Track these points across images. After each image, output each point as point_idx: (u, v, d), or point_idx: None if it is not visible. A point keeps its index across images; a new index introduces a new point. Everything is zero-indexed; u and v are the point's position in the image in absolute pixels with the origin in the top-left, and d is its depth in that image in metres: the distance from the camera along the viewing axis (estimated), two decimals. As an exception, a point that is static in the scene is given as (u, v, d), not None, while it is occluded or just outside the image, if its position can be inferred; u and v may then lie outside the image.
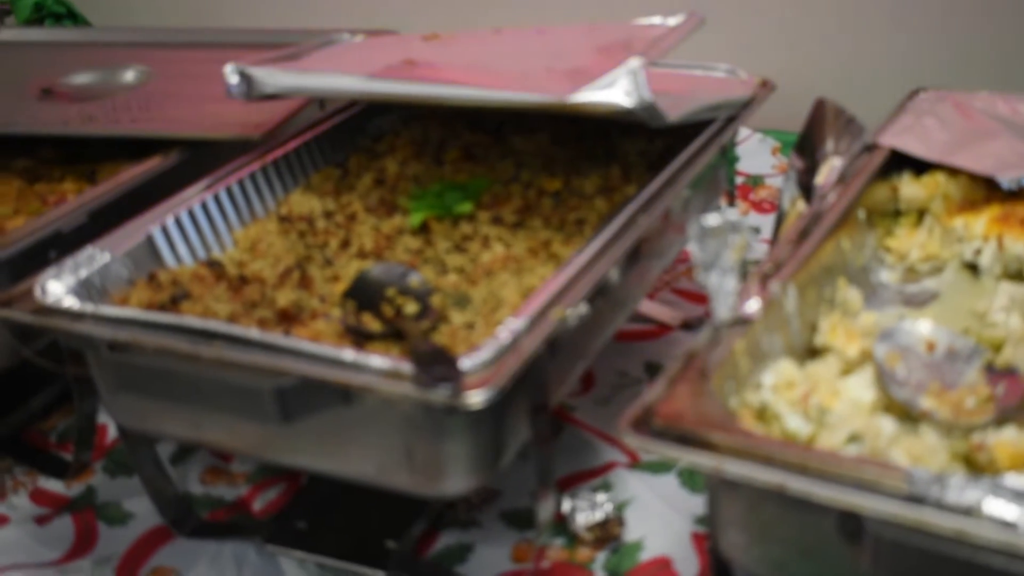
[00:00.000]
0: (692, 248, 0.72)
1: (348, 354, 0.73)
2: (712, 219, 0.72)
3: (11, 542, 0.97)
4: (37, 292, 0.84)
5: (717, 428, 0.64)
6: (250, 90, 1.02)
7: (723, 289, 0.73)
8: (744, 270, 0.74)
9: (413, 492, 0.79)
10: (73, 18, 1.72)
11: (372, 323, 0.85)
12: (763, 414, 0.71)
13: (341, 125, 1.14)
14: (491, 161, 1.09)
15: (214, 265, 0.95)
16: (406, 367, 0.71)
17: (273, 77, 1.02)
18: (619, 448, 1.01)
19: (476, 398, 0.69)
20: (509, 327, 0.75)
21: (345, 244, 0.99)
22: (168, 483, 0.97)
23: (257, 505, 0.99)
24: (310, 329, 0.85)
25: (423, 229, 1.00)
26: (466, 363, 0.71)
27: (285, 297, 0.90)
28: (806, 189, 0.96)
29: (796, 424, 0.70)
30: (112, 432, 1.09)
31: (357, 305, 0.87)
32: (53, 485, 1.04)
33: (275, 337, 0.75)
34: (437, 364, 0.71)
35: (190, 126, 1.11)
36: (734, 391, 0.71)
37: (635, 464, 1.00)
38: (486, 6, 1.66)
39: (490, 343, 0.73)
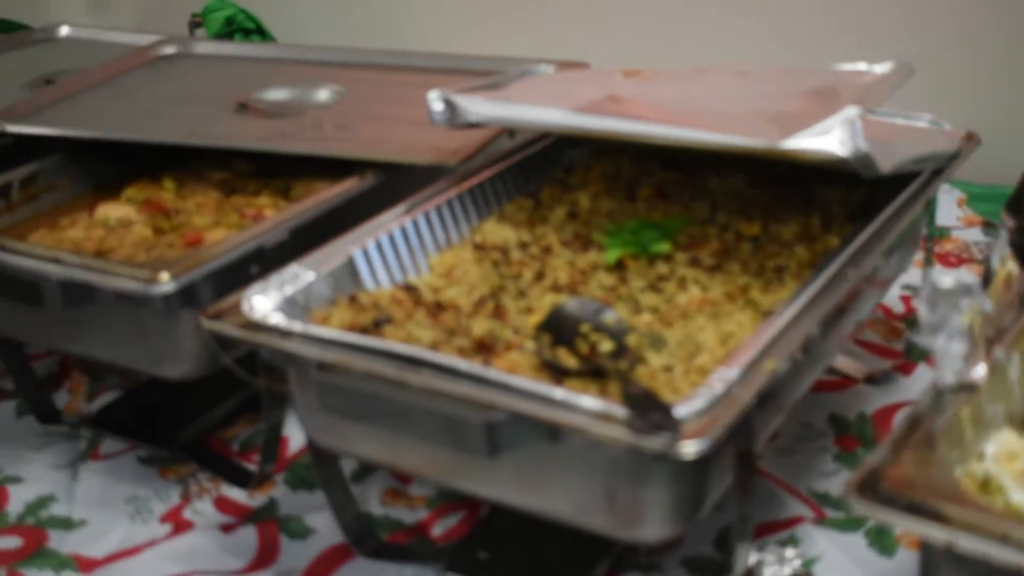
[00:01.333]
0: (920, 308, 0.70)
1: (559, 393, 0.73)
2: (946, 281, 0.70)
3: (197, 548, 0.99)
4: (245, 307, 0.86)
5: (949, 499, 0.62)
6: (454, 117, 1.03)
7: (950, 353, 0.71)
8: (972, 334, 0.71)
9: (609, 535, 0.79)
10: (261, 34, 1.76)
11: (568, 359, 0.84)
12: (987, 485, 0.69)
13: (534, 156, 1.15)
14: (685, 201, 1.08)
15: (411, 290, 0.96)
16: (618, 410, 0.71)
17: (477, 106, 1.02)
18: (804, 502, 0.99)
19: (691, 448, 0.68)
20: (723, 377, 0.73)
21: (539, 276, 0.99)
22: (351, 502, 0.98)
23: (436, 531, 1.00)
24: (506, 360, 0.85)
25: (617, 266, 0.99)
26: (681, 411, 0.70)
27: (480, 326, 0.90)
28: (1019, 249, 0.93)
29: (1020, 498, 0.68)
30: (293, 445, 1.10)
31: (552, 339, 0.87)
32: (235, 494, 1.06)
33: (484, 370, 0.75)
34: (652, 410, 0.70)
35: (387, 149, 1.13)
36: (959, 460, 0.68)
37: (822, 520, 0.97)
38: (655, 39, 1.65)
39: (703, 392, 0.72)
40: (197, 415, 1.15)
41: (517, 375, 0.77)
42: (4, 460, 1.13)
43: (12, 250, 1.00)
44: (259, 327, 0.84)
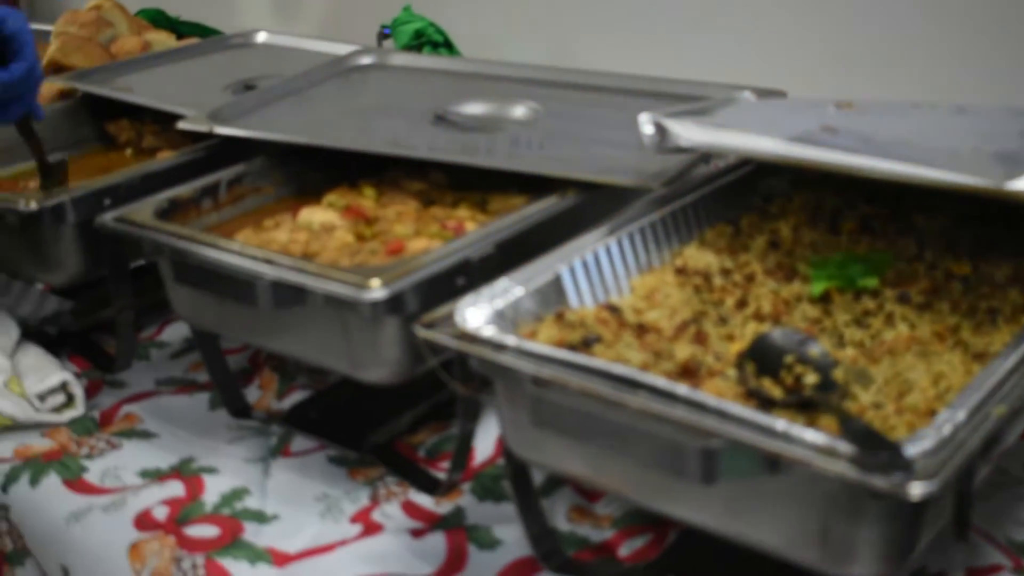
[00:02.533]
0: None
1: (780, 423, 0.72)
2: None
3: (388, 551, 1.01)
4: (458, 318, 0.88)
5: None
6: (663, 141, 1.04)
7: None
8: None
9: (818, 570, 0.78)
10: (448, 47, 1.79)
11: (773, 389, 0.84)
12: None
13: (733, 183, 1.14)
14: (890, 236, 1.07)
15: (614, 310, 0.96)
16: (843, 446, 0.70)
17: (689, 131, 1.02)
18: (1003, 551, 0.97)
19: (921, 489, 0.67)
20: (949, 419, 0.72)
21: (741, 304, 0.98)
22: (541, 516, 0.98)
23: (623, 551, 1.00)
24: (711, 387, 0.85)
25: (822, 299, 0.98)
26: (910, 450, 0.69)
27: (684, 351, 0.90)
28: None
29: None
30: (480, 455, 1.12)
31: (756, 368, 0.87)
32: (423, 500, 1.07)
33: (703, 396, 0.75)
34: (879, 448, 0.69)
35: (588, 168, 1.13)
36: None
37: (1020, 571, 0.95)
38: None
39: (930, 433, 0.71)
40: (385, 420, 1.17)
41: (744, 407, 0.76)
42: (200, 451, 1.17)
43: (227, 249, 1.04)
44: (473, 339, 0.85)
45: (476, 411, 1.01)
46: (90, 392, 1.28)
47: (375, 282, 0.95)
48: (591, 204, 1.13)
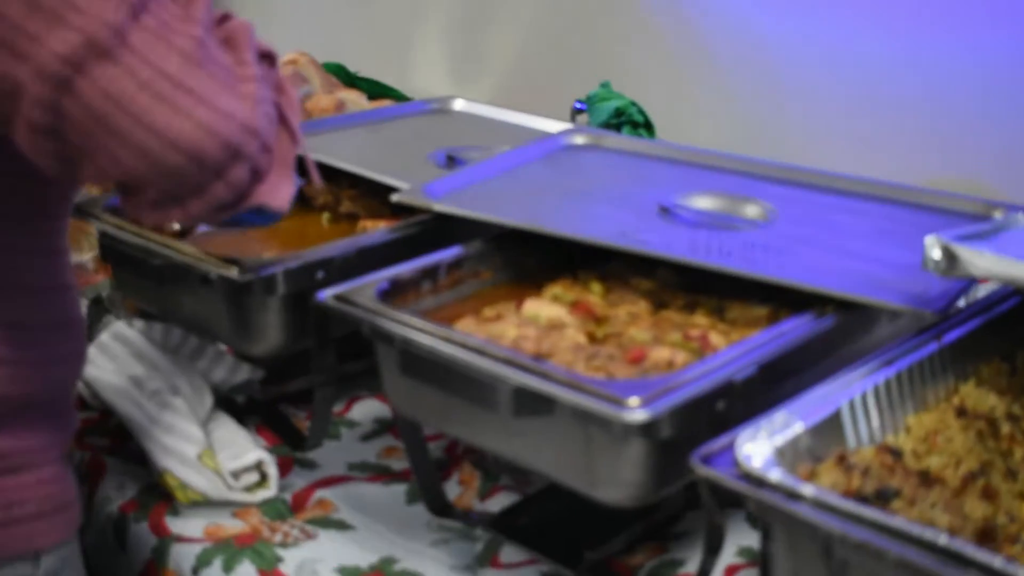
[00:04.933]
0: None
1: None
2: None
3: None
4: (739, 455, 0.79)
5: None
6: (951, 268, 0.94)
7: None
8: None
9: None
10: (648, 128, 1.72)
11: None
12: None
13: (1006, 314, 1.05)
14: None
15: (896, 455, 0.87)
16: None
17: (984, 260, 0.93)
18: None
19: None
20: None
21: (1034, 457, 0.89)
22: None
23: None
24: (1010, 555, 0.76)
25: None
26: None
27: (976, 509, 0.81)
28: None
29: None
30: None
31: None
32: (648, 634, 0.99)
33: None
34: None
35: (845, 283, 1.04)
36: None
37: None
38: None
39: None
40: (601, 535, 1.09)
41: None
42: (401, 551, 1.10)
43: (466, 346, 0.97)
44: (761, 482, 0.77)
45: (720, 543, 0.92)
46: (281, 471, 1.22)
47: (634, 401, 0.87)
48: (847, 325, 1.04)
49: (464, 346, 0.97)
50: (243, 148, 0.81)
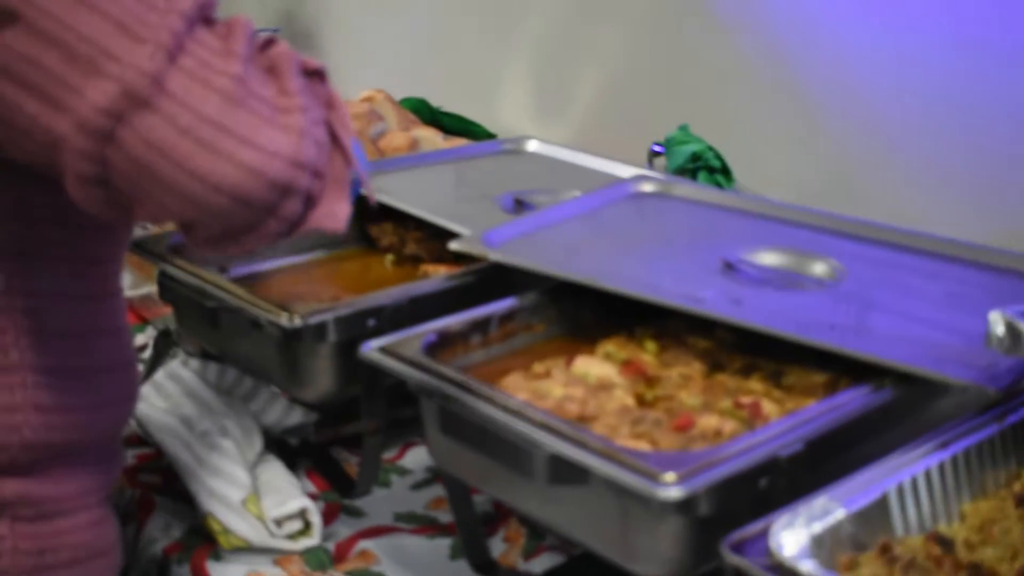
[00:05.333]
0: None
1: None
2: None
3: None
4: (772, 544, 0.75)
5: None
6: (1016, 347, 0.90)
7: None
8: None
9: None
10: (725, 174, 1.68)
11: None
12: None
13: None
14: None
15: (946, 545, 0.82)
16: None
17: (1050, 341, 0.88)
18: None
19: None
20: None
21: (1098, 555, 0.83)
22: None
23: None
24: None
25: None
26: None
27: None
28: None
29: None
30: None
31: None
32: None
33: None
34: None
35: (911, 354, 0.99)
36: None
37: None
38: None
39: None
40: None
41: None
42: (444, 612, 1.07)
43: (504, 407, 0.95)
44: (791, 574, 0.73)
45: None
46: (327, 518, 1.21)
47: (669, 476, 0.84)
48: (905, 399, 0.99)
49: (503, 407, 0.95)
50: (293, 184, 0.79)
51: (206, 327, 1.24)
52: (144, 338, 1.56)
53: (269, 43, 0.85)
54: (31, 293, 0.90)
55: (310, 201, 0.81)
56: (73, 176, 0.78)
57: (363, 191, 0.92)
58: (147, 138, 0.75)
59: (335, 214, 0.83)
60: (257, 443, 1.24)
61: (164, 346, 1.49)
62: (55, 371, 0.93)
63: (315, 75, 0.85)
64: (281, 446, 1.30)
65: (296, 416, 1.30)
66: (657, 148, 1.78)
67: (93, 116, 0.75)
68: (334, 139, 0.83)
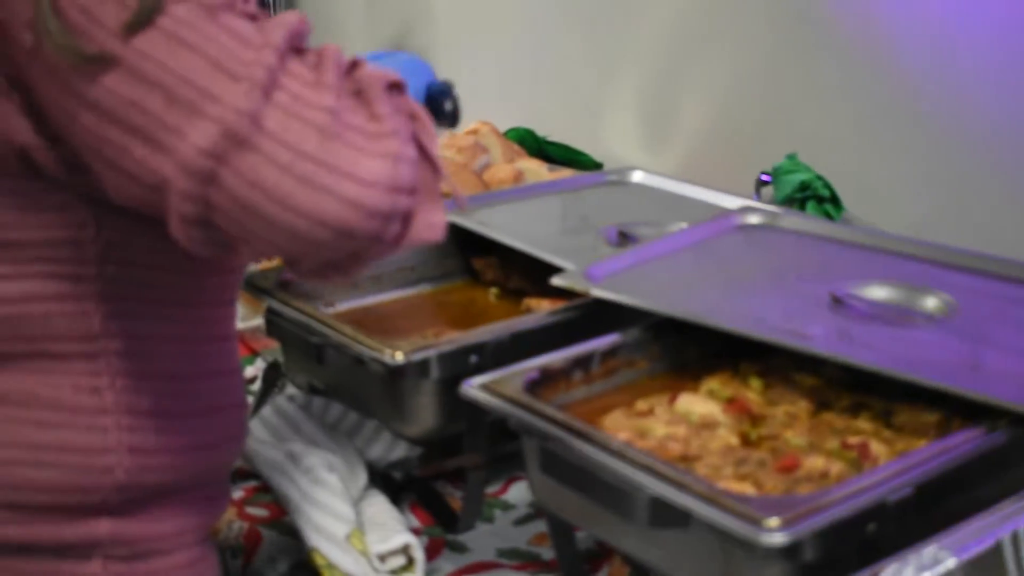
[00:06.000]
0: None
1: None
2: None
3: None
4: (883, 595, 0.73)
5: None
6: None
7: None
8: None
9: None
10: (835, 203, 1.65)
11: None
12: None
13: None
14: None
15: (1065, 596, 0.79)
16: None
17: None
18: None
19: None
20: None
21: None
22: None
23: None
24: None
25: None
26: None
27: None
28: None
29: None
30: None
31: None
32: None
33: None
34: None
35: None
36: None
37: None
38: None
39: None
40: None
41: None
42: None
43: (605, 447, 0.94)
44: (901, 627, 0.71)
45: None
46: (430, 553, 1.21)
47: (773, 522, 0.82)
48: (1020, 441, 0.96)
49: (604, 448, 0.94)
50: (393, 209, 0.78)
51: (312, 363, 1.26)
52: (253, 370, 1.58)
53: (355, 65, 0.84)
54: (130, 336, 0.90)
55: (408, 218, 0.80)
56: (176, 217, 0.79)
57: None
58: (248, 178, 0.76)
59: (432, 224, 0.82)
60: (362, 478, 1.25)
61: (272, 379, 1.51)
62: (153, 414, 0.93)
63: (395, 88, 0.85)
64: (385, 480, 1.31)
65: (400, 450, 1.31)
66: (765, 177, 1.76)
67: (195, 158, 0.76)
68: (421, 150, 0.82)
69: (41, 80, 0.80)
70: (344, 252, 0.80)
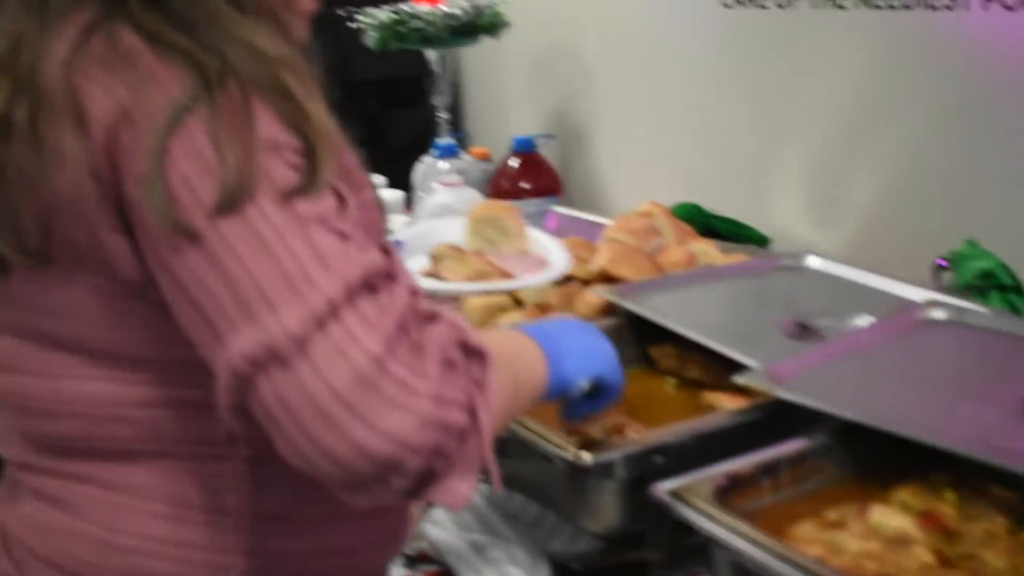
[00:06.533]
0: None
1: None
2: None
3: None
4: None
5: None
6: None
7: None
8: None
9: None
10: (1019, 292, 1.61)
11: None
12: None
13: None
14: None
15: None
16: None
17: None
18: None
19: None
20: None
21: None
22: None
23: None
24: None
25: None
26: None
27: None
28: None
29: None
30: None
31: None
32: None
33: None
34: None
35: None
36: None
37: None
38: None
39: None
40: None
41: None
42: None
43: (800, 566, 0.93)
44: None
45: None
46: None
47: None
48: None
49: (800, 567, 0.94)
50: (400, 465, 0.78)
51: (496, 454, 1.28)
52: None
53: (433, 316, 0.85)
54: (256, 443, 0.87)
55: (429, 477, 0.80)
56: (221, 401, 0.81)
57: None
58: (277, 393, 0.78)
59: (454, 493, 0.82)
60: (543, 572, 1.26)
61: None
62: (279, 518, 0.95)
63: (475, 355, 0.85)
64: (564, 571, 1.32)
65: (581, 544, 1.32)
66: (942, 262, 1.72)
67: (239, 359, 0.78)
68: (474, 421, 0.82)
69: (138, 229, 0.84)
70: (347, 484, 0.80)
